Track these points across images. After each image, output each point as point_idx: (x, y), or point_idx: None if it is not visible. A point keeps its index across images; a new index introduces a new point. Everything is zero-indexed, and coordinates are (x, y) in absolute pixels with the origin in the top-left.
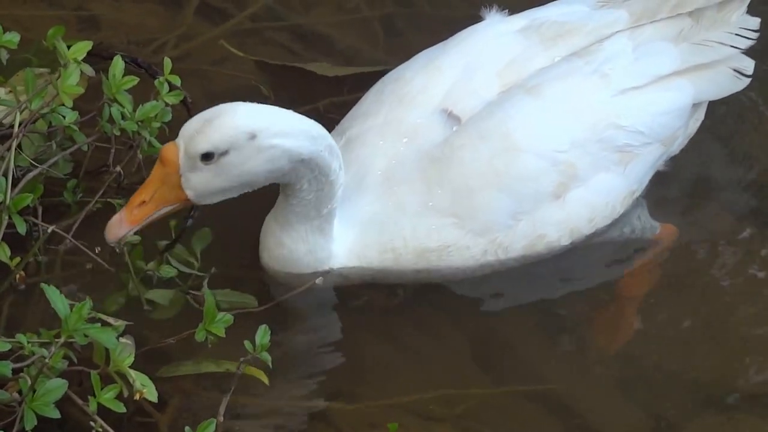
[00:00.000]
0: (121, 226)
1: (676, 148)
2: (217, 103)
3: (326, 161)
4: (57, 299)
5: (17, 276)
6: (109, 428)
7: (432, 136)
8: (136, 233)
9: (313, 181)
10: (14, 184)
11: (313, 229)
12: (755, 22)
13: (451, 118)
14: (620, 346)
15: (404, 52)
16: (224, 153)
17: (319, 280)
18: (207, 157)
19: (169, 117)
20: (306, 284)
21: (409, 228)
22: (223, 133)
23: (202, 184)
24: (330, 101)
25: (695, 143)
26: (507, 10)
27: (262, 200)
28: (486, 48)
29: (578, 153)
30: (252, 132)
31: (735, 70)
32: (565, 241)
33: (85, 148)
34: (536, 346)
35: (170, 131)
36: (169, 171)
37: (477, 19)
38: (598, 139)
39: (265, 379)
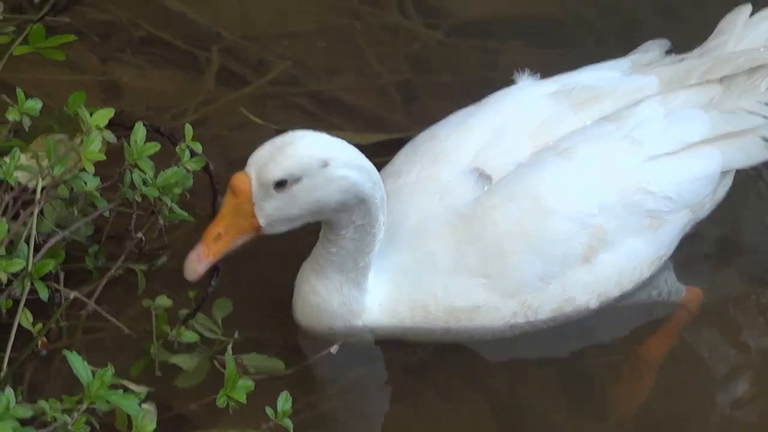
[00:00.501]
0: (200, 262)
1: (704, 214)
2: (238, 169)
3: (377, 209)
4: (79, 365)
5: (39, 342)
6: None
7: (464, 194)
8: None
9: (359, 229)
10: (36, 250)
11: (349, 280)
12: None
13: (483, 177)
14: (637, 409)
15: (422, 117)
16: (297, 180)
17: (334, 349)
18: (280, 184)
19: (190, 183)
20: (334, 341)
21: (440, 286)
22: (296, 160)
23: (276, 212)
24: None
25: (724, 205)
26: (538, 74)
27: (289, 263)
28: (518, 110)
29: (608, 217)
30: (324, 160)
31: (764, 139)
32: (594, 304)
33: (106, 213)
34: (556, 407)
35: (191, 196)
36: (241, 201)
37: (493, 83)
38: (627, 203)
39: None
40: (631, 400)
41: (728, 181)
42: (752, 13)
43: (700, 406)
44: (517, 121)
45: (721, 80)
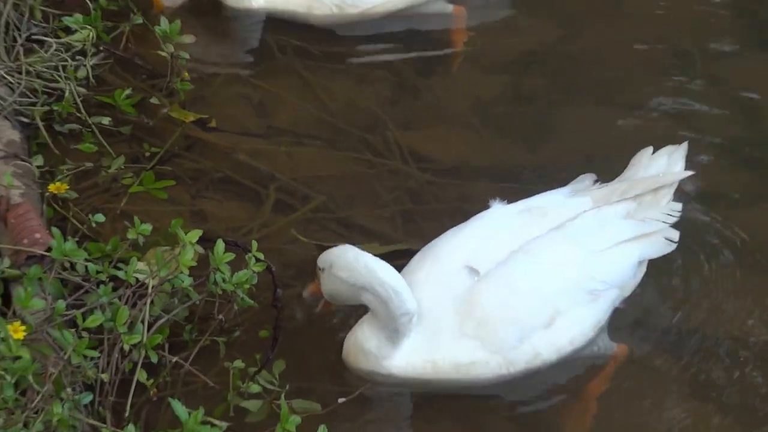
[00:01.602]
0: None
1: (628, 291)
2: (291, 272)
3: (383, 297)
4: (179, 409)
5: (152, 392)
6: None
7: (461, 283)
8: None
9: (381, 304)
10: (149, 328)
11: (385, 335)
12: (678, 206)
13: (473, 271)
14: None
15: (416, 235)
16: (322, 270)
17: (341, 400)
18: (321, 270)
19: (255, 280)
20: (369, 380)
21: (447, 347)
22: (320, 260)
23: (324, 287)
24: None
25: (644, 288)
26: (506, 200)
27: (327, 338)
28: (496, 224)
29: (562, 296)
30: (330, 263)
31: (666, 239)
32: (554, 358)
33: (197, 302)
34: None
35: (257, 289)
36: (317, 274)
37: (467, 210)
38: (575, 286)
39: None
40: (579, 425)
41: (644, 268)
42: (653, 152)
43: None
44: (496, 231)
45: (634, 198)
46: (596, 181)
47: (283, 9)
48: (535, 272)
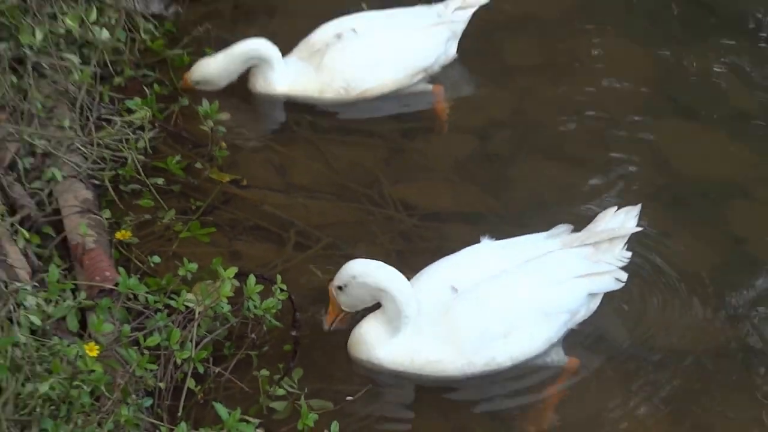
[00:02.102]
0: (325, 324)
1: (580, 317)
2: (309, 300)
3: (399, 300)
4: (221, 410)
5: (199, 396)
6: None
7: (443, 297)
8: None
9: (395, 306)
10: (196, 345)
11: (385, 328)
12: (628, 254)
13: (454, 289)
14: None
15: (407, 267)
16: (345, 286)
17: (349, 398)
18: (340, 288)
19: (280, 306)
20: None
21: (423, 346)
22: (341, 277)
23: (345, 300)
24: None
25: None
26: (494, 237)
27: (336, 348)
28: (480, 254)
29: (520, 314)
30: (353, 275)
31: (616, 278)
32: (508, 364)
33: (234, 324)
34: (484, 427)
35: (281, 313)
36: (332, 297)
37: (446, 248)
38: (533, 308)
39: None
40: (537, 427)
41: (598, 299)
42: (617, 209)
43: (579, 426)
44: (478, 260)
45: (594, 244)
46: (573, 231)
47: (299, 94)
48: (500, 294)
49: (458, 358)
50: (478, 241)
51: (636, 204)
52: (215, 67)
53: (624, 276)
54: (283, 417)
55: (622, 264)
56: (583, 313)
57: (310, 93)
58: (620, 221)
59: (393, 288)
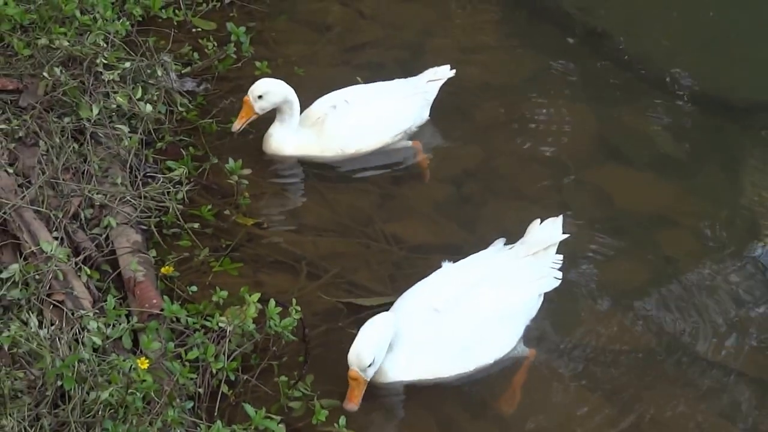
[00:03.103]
0: (352, 406)
1: (533, 314)
2: (318, 318)
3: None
4: (249, 409)
5: (231, 399)
6: None
7: (427, 317)
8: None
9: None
10: (228, 358)
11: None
12: (560, 256)
13: (436, 310)
14: (512, 410)
15: (399, 290)
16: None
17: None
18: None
19: (295, 324)
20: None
21: (424, 360)
22: (365, 360)
23: (373, 371)
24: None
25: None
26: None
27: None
28: (446, 277)
29: (490, 322)
30: (374, 355)
31: (555, 278)
32: (491, 360)
33: (258, 340)
34: (468, 411)
35: (297, 329)
36: (360, 381)
37: (427, 271)
38: (497, 315)
39: None
40: (510, 405)
41: (541, 299)
42: (541, 222)
43: (542, 406)
44: (446, 282)
45: (534, 254)
46: (505, 243)
47: (305, 153)
48: (469, 309)
49: (453, 365)
50: (439, 266)
51: (558, 216)
52: (272, 85)
53: (560, 275)
54: (299, 414)
55: (557, 266)
56: (535, 311)
57: (314, 153)
58: (549, 231)
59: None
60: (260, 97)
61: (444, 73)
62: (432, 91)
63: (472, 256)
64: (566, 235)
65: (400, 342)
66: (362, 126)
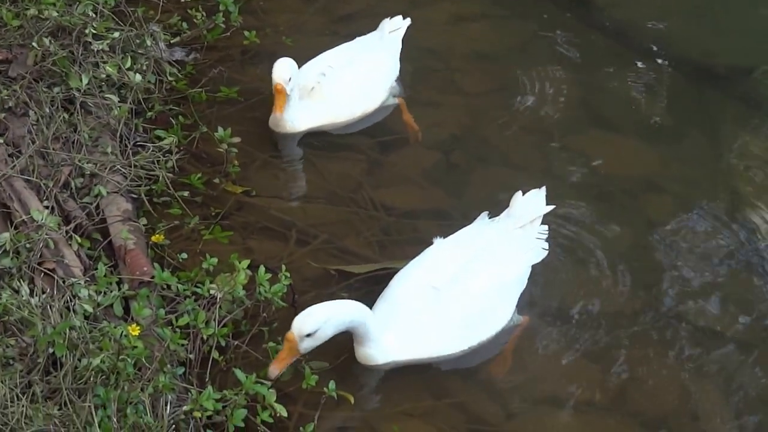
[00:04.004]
0: (273, 371)
1: (524, 285)
2: (308, 283)
3: (358, 323)
4: (240, 375)
5: (222, 364)
6: None
7: (429, 298)
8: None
9: (359, 328)
10: (218, 324)
11: (366, 339)
12: (546, 227)
13: (435, 288)
14: (504, 374)
15: (388, 256)
16: (315, 332)
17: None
18: (309, 335)
19: (285, 290)
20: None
21: (424, 338)
22: (312, 326)
23: (308, 345)
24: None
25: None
26: (442, 236)
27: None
28: (439, 253)
29: (488, 297)
30: (323, 320)
31: (543, 248)
32: (492, 334)
33: (249, 306)
34: (457, 374)
35: (287, 296)
36: (292, 345)
37: (417, 240)
38: (494, 287)
39: (351, 399)
40: (501, 369)
41: (530, 269)
42: (523, 194)
43: (530, 370)
44: (442, 260)
45: (522, 227)
46: (490, 216)
47: (319, 125)
48: (476, 282)
49: (456, 342)
50: (430, 242)
51: (541, 187)
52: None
53: (546, 245)
54: (288, 379)
55: (544, 237)
56: (525, 281)
57: (328, 121)
58: (534, 203)
59: (356, 314)
60: (290, 79)
61: (400, 22)
62: (397, 42)
63: (460, 231)
64: (551, 207)
65: (395, 321)
66: (362, 85)
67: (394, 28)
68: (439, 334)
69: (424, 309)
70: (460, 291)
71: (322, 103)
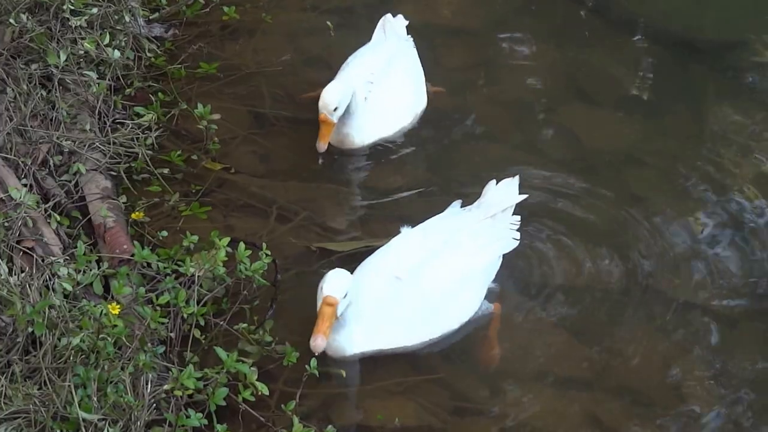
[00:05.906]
0: (321, 342)
1: (494, 274)
2: (290, 260)
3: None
4: (221, 352)
5: (203, 342)
6: None
7: (391, 287)
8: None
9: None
10: (198, 303)
11: (344, 319)
12: (518, 218)
13: (398, 279)
14: (495, 364)
15: (370, 234)
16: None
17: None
18: (345, 296)
19: (265, 267)
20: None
21: (387, 329)
22: (340, 290)
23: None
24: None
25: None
26: (411, 225)
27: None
28: (406, 242)
29: (453, 287)
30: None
31: (513, 239)
32: (458, 324)
33: (230, 284)
34: (449, 365)
35: (268, 273)
36: (333, 309)
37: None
38: (463, 276)
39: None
40: (492, 358)
41: (501, 258)
42: (497, 182)
43: (514, 355)
44: (406, 249)
45: (492, 216)
46: (463, 206)
47: (385, 136)
48: (440, 272)
49: (419, 333)
50: (398, 231)
51: (514, 177)
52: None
53: (518, 236)
54: (257, 359)
55: (516, 227)
56: (495, 271)
57: (392, 132)
58: (506, 192)
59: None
60: (336, 109)
61: (402, 23)
62: (410, 40)
63: (430, 220)
64: (524, 196)
65: (360, 312)
66: (411, 90)
67: (402, 29)
68: (403, 325)
69: (387, 299)
70: (422, 281)
71: (379, 114)
